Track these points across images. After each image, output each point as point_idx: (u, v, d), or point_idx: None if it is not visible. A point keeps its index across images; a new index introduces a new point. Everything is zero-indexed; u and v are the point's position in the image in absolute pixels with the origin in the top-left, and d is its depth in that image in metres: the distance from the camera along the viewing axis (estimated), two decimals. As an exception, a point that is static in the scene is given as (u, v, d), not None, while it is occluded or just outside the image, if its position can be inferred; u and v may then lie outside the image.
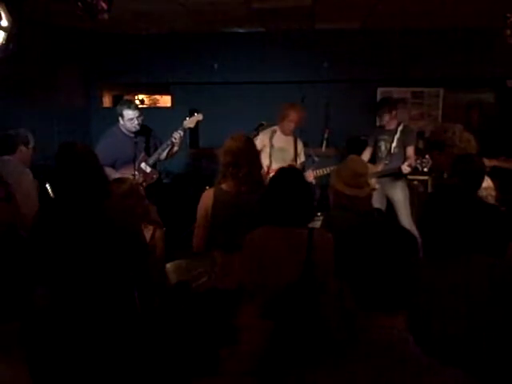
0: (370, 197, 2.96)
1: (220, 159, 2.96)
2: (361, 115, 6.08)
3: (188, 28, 5.88)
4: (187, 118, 4.60)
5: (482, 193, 2.94)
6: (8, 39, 3.22)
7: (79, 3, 3.26)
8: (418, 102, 6.49)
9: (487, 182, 3.09)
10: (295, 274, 2.23)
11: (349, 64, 6.16)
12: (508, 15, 4.11)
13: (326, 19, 5.44)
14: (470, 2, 4.40)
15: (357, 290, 1.14)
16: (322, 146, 5.48)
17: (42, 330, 2.31)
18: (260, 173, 3.07)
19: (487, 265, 1.76)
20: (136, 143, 4.39)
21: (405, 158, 4.85)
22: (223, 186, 2.93)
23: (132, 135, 4.46)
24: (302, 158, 4.84)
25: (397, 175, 4.92)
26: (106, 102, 6.93)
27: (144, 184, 4.33)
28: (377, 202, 4.64)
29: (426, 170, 4.37)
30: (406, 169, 4.65)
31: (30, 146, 3.73)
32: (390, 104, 5.05)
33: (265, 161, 4.60)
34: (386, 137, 5.04)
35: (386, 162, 4.94)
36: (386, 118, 4.99)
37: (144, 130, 4.57)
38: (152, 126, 4.81)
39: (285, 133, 4.74)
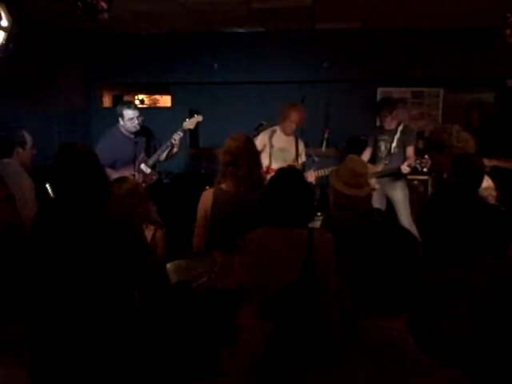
0: (369, 197, 2.96)
1: (220, 159, 2.96)
2: (361, 115, 6.08)
3: (188, 28, 5.88)
4: (187, 120, 4.59)
5: (483, 193, 2.94)
6: (8, 39, 3.22)
7: (79, 3, 3.26)
8: (418, 101, 6.49)
9: (488, 182, 3.09)
10: (295, 274, 2.23)
11: (349, 64, 6.16)
12: (508, 15, 4.11)
13: (326, 19, 5.44)
14: (470, 2, 4.40)
15: (357, 291, 1.14)
16: (322, 146, 5.47)
17: (44, 330, 2.31)
18: (260, 173, 3.07)
19: (487, 265, 1.76)
20: (136, 144, 4.39)
21: (405, 158, 4.85)
22: (223, 185, 2.93)
23: (132, 136, 4.46)
24: (303, 158, 4.85)
25: (397, 175, 4.92)
26: (106, 101, 6.93)
27: (143, 185, 4.33)
28: (377, 202, 4.64)
29: (425, 170, 4.37)
30: (405, 169, 4.66)
31: (28, 146, 3.66)
32: (389, 104, 5.05)
33: (265, 161, 4.60)
34: (386, 137, 5.05)
35: (386, 162, 4.94)
36: (387, 118, 5.00)
37: (144, 131, 4.57)
38: (152, 125, 4.81)
39: (286, 133, 4.74)
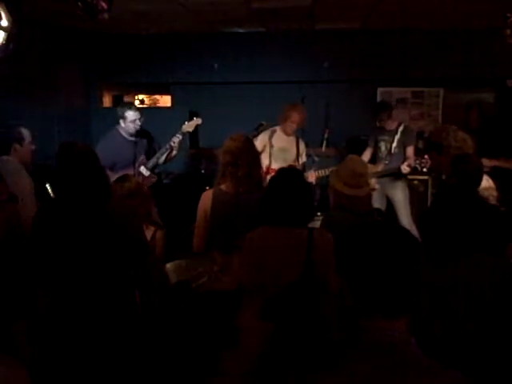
0: (369, 197, 2.96)
1: (219, 159, 2.96)
2: (361, 115, 6.07)
3: (188, 28, 5.88)
4: (186, 122, 4.59)
5: (483, 193, 2.94)
6: (8, 39, 3.22)
7: (79, 3, 3.26)
8: (418, 101, 6.49)
9: (488, 183, 3.09)
10: (295, 274, 2.22)
11: (349, 64, 6.17)
12: (508, 15, 4.11)
13: (326, 19, 5.44)
14: (469, 2, 4.40)
15: (357, 292, 1.14)
16: (322, 146, 5.48)
17: (44, 330, 2.31)
18: (259, 173, 3.07)
19: (488, 265, 1.76)
20: (135, 146, 4.39)
21: (405, 158, 4.85)
22: (222, 186, 2.93)
23: (132, 138, 4.46)
24: (303, 159, 4.84)
25: (397, 175, 4.92)
26: (106, 101, 6.93)
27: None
28: (377, 202, 4.64)
29: (425, 170, 4.37)
30: (405, 169, 4.66)
31: (26, 142, 3.61)
32: (388, 108, 5.06)
33: (265, 161, 4.60)
34: (386, 137, 5.05)
35: (386, 162, 4.95)
36: (388, 121, 5.00)
37: (143, 134, 4.58)
38: (152, 126, 4.80)
39: (287, 133, 4.74)
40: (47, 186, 3.77)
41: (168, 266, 3.37)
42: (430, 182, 5.68)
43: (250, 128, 4.54)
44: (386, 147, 5.03)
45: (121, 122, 4.44)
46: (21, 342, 2.19)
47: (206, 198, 2.95)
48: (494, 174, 3.39)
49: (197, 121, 4.60)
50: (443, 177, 3.21)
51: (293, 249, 2.29)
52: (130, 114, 4.38)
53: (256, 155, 3.16)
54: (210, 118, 5.20)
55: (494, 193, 3.09)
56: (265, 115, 4.78)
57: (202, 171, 5.89)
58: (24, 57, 4.64)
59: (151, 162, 4.52)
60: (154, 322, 2.65)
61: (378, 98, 6.30)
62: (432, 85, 6.37)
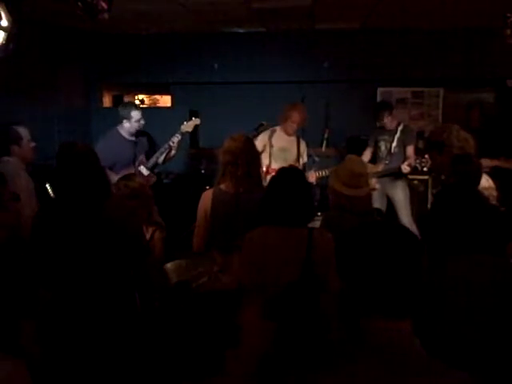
0: (369, 197, 2.95)
1: (219, 159, 2.96)
2: (361, 115, 6.08)
3: (188, 28, 5.89)
4: (185, 123, 4.60)
5: (484, 193, 2.93)
6: (8, 39, 3.22)
7: (79, 3, 3.26)
8: (418, 101, 6.49)
9: (488, 182, 3.09)
10: (295, 274, 2.22)
11: (349, 64, 6.17)
12: (508, 15, 4.11)
13: (326, 19, 5.44)
14: (470, 2, 4.40)
15: (359, 292, 1.13)
16: (322, 146, 5.48)
17: (44, 330, 2.31)
18: (259, 173, 3.07)
19: (488, 264, 1.76)
20: (136, 146, 4.40)
21: (405, 158, 4.85)
22: (222, 186, 2.93)
23: (132, 138, 4.47)
24: (304, 159, 4.83)
25: (397, 175, 4.92)
26: (106, 101, 6.93)
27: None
28: (377, 202, 4.64)
29: (425, 169, 4.37)
30: (405, 168, 4.66)
31: (24, 141, 3.57)
32: (388, 107, 5.06)
33: (265, 161, 4.60)
34: (386, 137, 5.05)
35: (386, 161, 4.95)
36: (387, 120, 5.00)
37: (143, 134, 4.59)
38: (152, 126, 4.81)
39: (287, 133, 4.73)
40: (47, 185, 3.77)
41: (168, 265, 3.37)
42: (429, 182, 5.67)
43: (250, 128, 4.54)
44: (386, 147, 5.03)
45: (125, 121, 4.43)
46: (28, 341, 2.18)
47: (206, 197, 2.95)
48: (494, 174, 3.39)
49: (195, 121, 4.62)
50: (442, 177, 3.20)
51: (293, 248, 2.29)
52: (136, 114, 4.40)
53: (256, 155, 3.16)
54: (210, 118, 5.21)
55: (494, 193, 3.08)
56: (265, 115, 4.78)
57: (202, 171, 5.89)
58: (24, 57, 4.64)
59: (151, 162, 4.54)
60: (154, 323, 2.65)
61: (378, 98, 6.30)
62: (432, 85, 6.37)
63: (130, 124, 4.42)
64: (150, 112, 5.68)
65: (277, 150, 4.76)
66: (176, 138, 4.50)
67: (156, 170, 4.67)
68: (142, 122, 4.44)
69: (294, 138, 4.76)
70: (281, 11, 4.93)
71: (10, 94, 4.69)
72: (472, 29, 5.64)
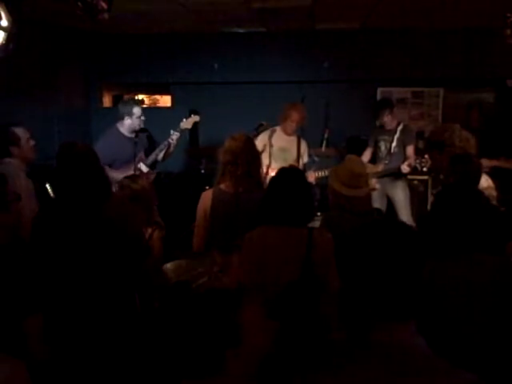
0: (369, 197, 2.95)
1: (220, 158, 2.96)
2: (361, 115, 6.08)
3: (188, 28, 5.89)
4: (184, 120, 4.61)
5: (483, 193, 2.94)
6: (8, 39, 3.22)
7: (79, 3, 3.26)
8: (418, 101, 6.49)
9: (488, 182, 3.09)
10: (295, 273, 2.22)
11: (349, 64, 6.17)
12: (508, 15, 4.11)
13: (326, 19, 5.44)
14: (469, 2, 4.40)
15: (360, 293, 1.13)
16: (322, 146, 5.48)
17: (45, 330, 2.31)
18: (259, 172, 3.07)
19: (488, 263, 1.76)
20: (136, 143, 4.39)
21: (405, 158, 4.85)
22: (222, 185, 2.93)
23: (132, 135, 4.46)
24: (304, 159, 4.81)
25: (397, 175, 4.92)
26: (106, 101, 6.93)
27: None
28: (377, 202, 4.64)
29: (425, 169, 4.37)
30: (405, 168, 4.66)
31: (23, 141, 3.52)
32: (389, 105, 5.06)
33: (265, 161, 4.60)
34: (386, 137, 5.05)
35: (386, 161, 4.95)
36: (388, 118, 5.00)
37: (142, 131, 4.58)
38: (152, 125, 4.81)
39: (287, 133, 4.73)
40: (47, 185, 3.76)
41: (168, 265, 3.37)
42: (429, 182, 5.67)
43: (250, 128, 4.54)
44: (386, 147, 5.03)
45: (126, 118, 4.41)
46: (33, 340, 2.18)
47: (206, 197, 2.95)
48: (494, 174, 3.39)
49: (194, 118, 4.63)
50: (441, 176, 3.20)
51: (293, 248, 2.29)
52: (138, 110, 4.41)
53: (256, 155, 3.15)
54: (210, 118, 5.20)
55: (494, 193, 3.08)
56: (265, 115, 4.78)
57: (202, 171, 5.89)
58: (24, 57, 4.64)
59: (150, 159, 4.55)
60: (154, 323, 2.65)
61: (378, 98, 6.29)
62: (432, 85, 6.37)
63: (132, 120, 4.41)
64: (149, 112, 5.67)
65: (277, 149, 4.75)
66: (175, 135, 4.51)
67: (156, 170, 4.67)
68: (143, 118, 4.45)
69: (294, 138, 4.76)
70: (281, 11, 4.93)
71: (10, 94, 4.69)
72: (472, 29, 5.64)
